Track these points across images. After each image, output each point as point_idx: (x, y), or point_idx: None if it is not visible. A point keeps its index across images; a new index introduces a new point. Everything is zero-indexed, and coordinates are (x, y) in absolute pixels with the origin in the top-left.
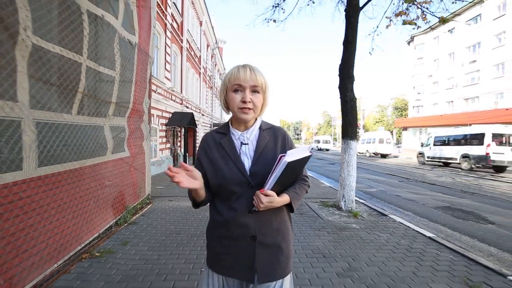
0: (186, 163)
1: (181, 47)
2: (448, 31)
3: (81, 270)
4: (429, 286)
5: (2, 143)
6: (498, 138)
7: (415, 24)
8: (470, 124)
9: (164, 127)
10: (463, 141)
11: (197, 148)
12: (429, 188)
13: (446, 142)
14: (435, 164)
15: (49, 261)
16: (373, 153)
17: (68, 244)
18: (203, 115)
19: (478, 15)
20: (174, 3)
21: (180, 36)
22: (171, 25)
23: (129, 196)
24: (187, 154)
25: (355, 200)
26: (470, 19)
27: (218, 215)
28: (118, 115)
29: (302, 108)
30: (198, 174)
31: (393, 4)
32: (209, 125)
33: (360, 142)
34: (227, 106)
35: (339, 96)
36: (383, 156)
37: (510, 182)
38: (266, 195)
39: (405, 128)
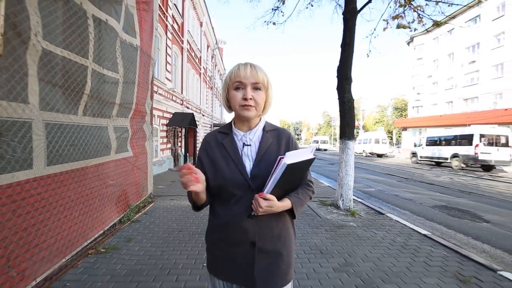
0: (186, 163)
1: (182, 48)
2: (448, 31)
3: (87, 265)
4: (421, 281)
5: (15, 143)
6: (485, 139)
7: (409, 27)
8: (469, 125)
9: (165, 128)
10: (453, 141)
11: (197, 149)
12: (427, 188)
13: (438, 142)
14: (427, 164)
15: (57, 256)
16: (369, 153)
17: (75, 240)
18: (203, 115)
19: (477, 16)
20: (175, 4)
21: (181, 37)
22: (172, 26)
23: (132, 195)
24: (187, 154)
25: (353, 199)
26: (470, 20)
27: (217, 219)
28: (121, 116)
29: (302, 108)
30: (202, 177)
31: (390, 7)
32: (210, 126)
33: (357, 142)
34: (229, 105)
35: (337, 97)
36: (379, 155)
37: (508, 182)
38: (265, 199)
39: (404, 129)
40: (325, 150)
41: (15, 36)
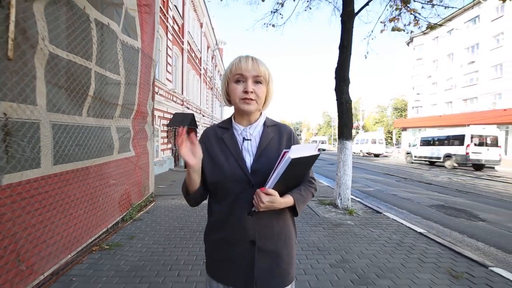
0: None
1: (182, 49)
2: (447, 32)
3: (92, 261)
4: (415, 276)
5: (24, 143)
6: (476, 139)
7: (404, 30)
8: (468, 125)
9: (165, 128)
10: (446, 141)
11: None
12: (426, 188)
13: (432, 142)
14: (421, 163)
15: (64, 252)
16: (367, 153)
17: (80, 237)
18: (203, 115)
19: (476, 16)
20: (175, 6)
21: (181, 38)
22: (172, 27)
23: (134, 194)
24: None
25: (351, 198)
26: (469, 20)
27: (215, 217)
28: (123, 117)
29: (302, 109)
30: (199, 152)
31: (387, 9)
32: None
33: (355, 142)
34: (228, 99)
35: (335, 98)
36: (376, 155)
37: (505, 182)
38: (267, 194)
39: (404, 129)
40: (323, 150)
41: (24, 40)
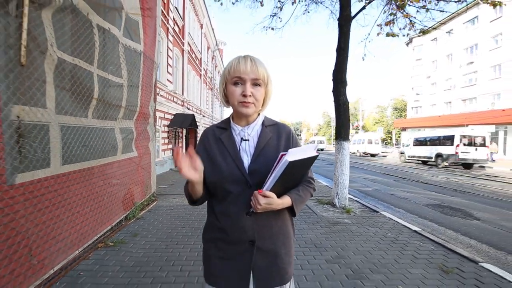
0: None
1: (183, 50)
2: (446, 32)
3: (98, 257)
4: (407, 271)
5: (36, 144)
6: (465, 140)
7: (397, 36)
8: (467, 125)
9: (166, 129)
10: (437, 142)
11: None
12: (423, 187)
13: (424, 142)
14: (414, 162)
15: (71, 248)
16: (363, 153)
17: (86, 234)
18: (203, 116)
19: (475, 17)
20: (176, 7)
21: (182, 39)
22: (173, 29)
23: (137, 193)
24: None
25: (349, 197)
26: (467, 21)
27: (214, 217)
28: (126, 118)
29: (302, 109)
30: (200, 166)
31: (384, 12)
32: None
33: (351, 142)
34: (226, 100)
35: (333, 99)
36: (372, 155)
37: (502, 182)
38: (264, 196)
39: (404, 129)
40: (322, 150)
41: (35, 47)
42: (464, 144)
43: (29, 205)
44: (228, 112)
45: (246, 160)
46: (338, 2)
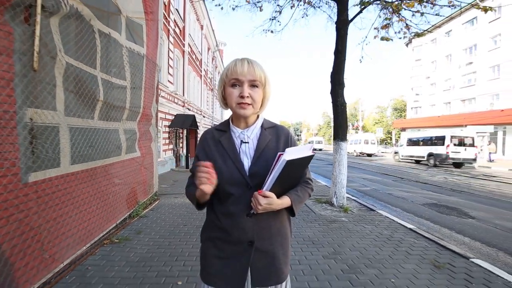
0: (188, 164)
1: (183, 51)
2: (446, 33)
3: (104, 252)
4: (400, 266)
5: (47, 145)
6: (456, 140)
7: (392, 40)
8: (466, 125)
9: (167, 129)
10: (429, 142)
11: None
12: (421, 187)
13: (417, 142)
14: (407, 161)
15: (79, 244)
16: (360, 153)
17: (93, 231)
18: (204, 116)
19: (474, 18)
20: (176, 9)
21: (182, 40)
22: (174, 30)
23: (140, 192)
24: (188, 155)
25: (347, 197)
26: (466, 22)
27: (215, 216)
28: (130, 120)
29: (303, 109)
30: (215, 178)
31: (380, 16)
32: (210, 127)
33: (349, 143)
34: (225, 102)
35: (331, 101)
36: (369, 155)
37: (499, 182)
38: (264, 196)
39: (403, 129)
40: (320, 149)
41: (46, 53)
42: (455, 144)
43: (41, 202)
44: (228, 112)
45: (246, 162)
46: (336, 7)
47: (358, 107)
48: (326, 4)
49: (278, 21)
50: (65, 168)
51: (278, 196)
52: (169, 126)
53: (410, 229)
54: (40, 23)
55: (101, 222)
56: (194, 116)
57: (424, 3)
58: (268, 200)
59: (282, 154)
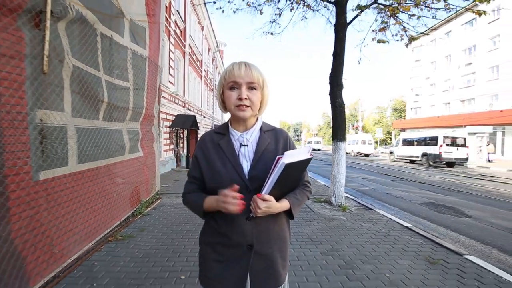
0: (188, 164)
1: (184, 52)
2: (445, 34)
3: (110, 249)
4: (396, 262)
5: (56, 145)
6: (448, 140)
7: (388, 42)
8: (465, 126)
9: (168, 129)
10: (423, 142)
11: None
12: (419, 187)
13: (411, 143)
14: (402, 161)
15: (86, 240)
16: (357, 153)
17: (98, 228)
18: (204, 117)
19: (473, 19)
20: (177, 10)
21: (183, 41)
22: (175, 31)
23: (142, 191)
24: (189, 155)
25: (346, 196)
26: (466, 23)
27: (214, 221)
28: (133, 120)
29: (303, 110)
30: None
31: (377, 20)
32: (211, 127)
33: (347, 143)
34: (224, 106)
35: (329, 102)
36: (366, 155)
37: (497, 182)
38: (263, 199)
39: (403, 129)
40: (319, 150)
41: (55, 56)
42: (447, 145)
43: (51, 200)
44: (228, 113)
45: (246, 165)
46: (335, 10)
47: (358, 107)
48: (325, 7)
49: (278, 24)
50: (73, 167)
51: (277, 199)
52: (170, 127)
53: (407, 227)
54: (49, 28)
55: (106, 220)
56: (194, 116)
57: (421, 7)
58: (267, 203)
59: (281, 158)
